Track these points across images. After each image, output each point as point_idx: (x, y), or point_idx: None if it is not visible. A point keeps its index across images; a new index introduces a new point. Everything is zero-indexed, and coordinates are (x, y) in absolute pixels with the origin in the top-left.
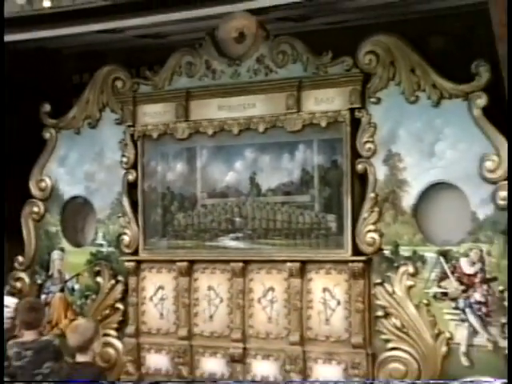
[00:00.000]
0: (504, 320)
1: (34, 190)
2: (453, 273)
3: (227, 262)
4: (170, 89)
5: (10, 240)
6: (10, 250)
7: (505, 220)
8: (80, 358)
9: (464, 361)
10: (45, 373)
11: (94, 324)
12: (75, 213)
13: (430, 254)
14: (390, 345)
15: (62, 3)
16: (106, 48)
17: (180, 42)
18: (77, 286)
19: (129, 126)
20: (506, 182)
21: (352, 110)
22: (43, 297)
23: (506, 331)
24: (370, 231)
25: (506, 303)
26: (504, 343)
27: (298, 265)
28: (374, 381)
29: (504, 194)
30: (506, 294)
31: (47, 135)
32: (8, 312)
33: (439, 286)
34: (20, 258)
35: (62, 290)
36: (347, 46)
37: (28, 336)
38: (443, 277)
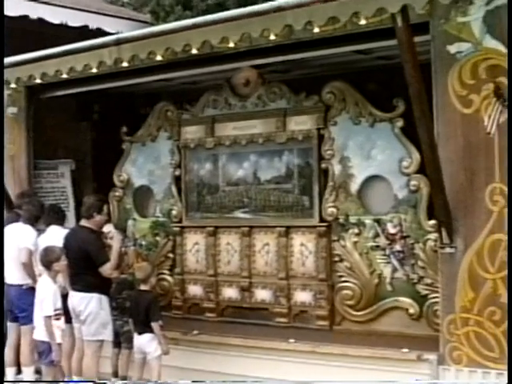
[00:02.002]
0: (413, 261)
1: (116, 182)
2: (382, 232)
3: (239, 227)
4: (202, 116)
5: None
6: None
7: (414, 198)
8: (143, 287)
9: (389, 287)
10: (123, 297)
11: (152, 266)
12: (142, 196)
13: (368, 220)
14: (343, 279)
15: (136, 62)
16: (162, 90)
17: (208, 86)
18: (143, 243)
19: (175, 140)
20: (417, 175)
21: (318, 129)
22: (123, 249)
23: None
24: (330, 207)
25: (415, 251)
26: (413, 276)
27: (284, 229)
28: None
29: (414, 182)
30: (415, 245)
31: (124, 146)
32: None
33: (374, 241)
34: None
35: (134, 245)
36: (315, 88)
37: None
38: (376, 235)
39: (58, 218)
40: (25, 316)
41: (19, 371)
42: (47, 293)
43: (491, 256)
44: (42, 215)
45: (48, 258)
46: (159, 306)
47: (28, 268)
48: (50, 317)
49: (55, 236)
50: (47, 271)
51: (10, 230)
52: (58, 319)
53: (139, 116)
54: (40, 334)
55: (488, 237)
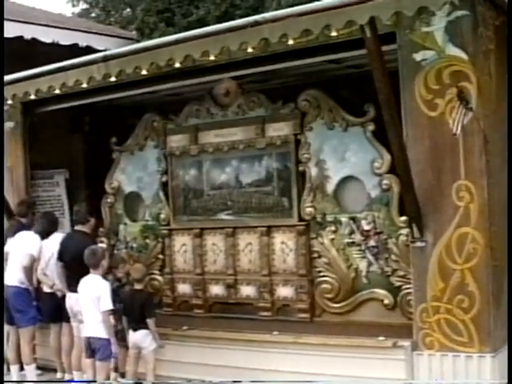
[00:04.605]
0: (386, 255)
1: (107, 189)
2: (357, 229)
3: (223, 228)
4: (186, 125)
5: (96, 218)
6: (97, 224)
7: (386, 196)
8: (137, 286)
9: (365, 280)
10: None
11: (145, 268)
12: (132, 201)
13: (344, 218)
14: (322, 274)
15: (123, 77)
16: (148, 102)
17: (191, 97)
18: (134, 245)
19: (161, 149)
20: (388, 175)
21: (295, 135)
22: (116, 252)
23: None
24: (308, 207)
25: (388, 246)
26: (387, 269)
27: (265, 229)
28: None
29: (386, 181)
30: (389, 240)
31: (114, 156)
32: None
33: (350, 238)
34: (101, 229)
35: (126, 248)
36: (291, 97)
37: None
38: (352, 232)
39: (53, 224)
40: (20, 317)
41: (22, 368)
42: (103, 289)
43: (459, 248)
44: (55, 230)
45: (96, 257)
46: (154, 304)
47: (28, 272)
48: (108, 311)
49: (51, 241)
50: (94, 270)
51: (21, 238)
52: (110, 314)
53: (127, 127)
54: (95, 330)
55: (455, 230)
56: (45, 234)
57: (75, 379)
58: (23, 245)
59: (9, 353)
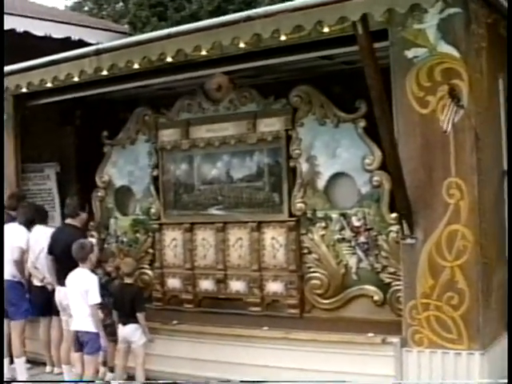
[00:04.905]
0: (376, 252)
1: (98, 182)
2: (348, 225)
3: (213, 223)
4: (178, 120)
5: (88, 212)
6: (88, 218)
7: (377, 193)
8: (127, 281)
9: (354, 276)
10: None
11: (135, 262)
12: (122, 195)
13: (334, 215)
14: (312, 269)
15: (115, 71)
16: (140, 96)
17: (183, 91)
18: (125, 239)
19: (153, 143)
20: (379, 171)
21: (287, 131)
22: (106, 245)
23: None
24: (298, 202)
25: (378, 242)
26: (377, 265)
27: (256, 224)
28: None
29: (376, 178)
30: (379, 237)
31: (106, 149)
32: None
33: (340, 234)
34: (92, 223)
35: (116, 242)
36: (283, 92)
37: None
38: (342, 228)
39: (42, 217)
40: (13, 311)
41: (12, 362)
42: (91, 283)
43: (449, 245)
44: (37, 218)
45: (85, 251)
46: (143, 298)
47: (19, 265)
48: (96, 305)
49: (41, 234)
50: (83, 264)
51: (8, 230)
52: (99, 308)
53: (119, 121)
54: (83, 324)
55: (445, 228)
56: (28, 224)
57: (64, 373)
58: (10, 238)
59: None
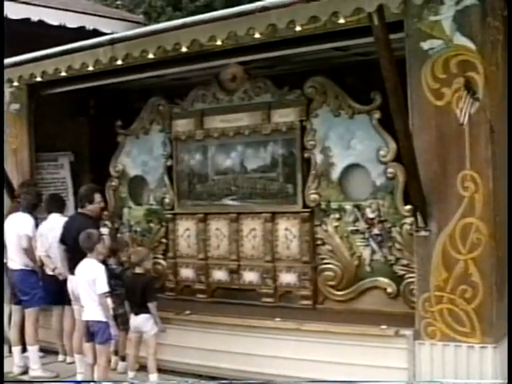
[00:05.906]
0: (390, 244)
1: (112, 172)
2: (362, 217)
3: (227, 213)
4: (192, 110)
5: (102, 201)
6: (102, 207)
7: (391, 185)
8: (138, 270)
9: (368, 268)
10: (115, 283)
11: (147, 251)
12: (136, 185)
13: (348, 206)
14: (325, 261)
15: (129, 60)
16: (154, 86)
17: (197, 81)
18: (138, 229)
19: (167, 133)
20: (393, 163)
21: (301, 121)
22: (119, 235)
23: None
24: (312, 193)
25: (392, 234)
26: (390, 257)
27: (269, 215)
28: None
29: (391, 169)
30: (393, 229)
31: (119, 139)
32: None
33: (354, 226)
34: (105, 212)
35: (129, 231)
36: (297, 83)
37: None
38: (356, 220)
39: (58, 206)
40: (28, 299)
41: (24, 350)
42: (98, 272)
43: (463, 238)
44: (40, 203)
45: (92, 241)
46: (155, 288)
47: (29, 253)
48: (105, 293)
49: (56, 223)
50: (90, 253)
51: (12, 219)
52: (107, 296)
53: (133, 110)
54: (93, 314)
55: (460, 220)
56: (31, 208)
57: (77, 362)
58: (15, 226)
59: (11, 334)
